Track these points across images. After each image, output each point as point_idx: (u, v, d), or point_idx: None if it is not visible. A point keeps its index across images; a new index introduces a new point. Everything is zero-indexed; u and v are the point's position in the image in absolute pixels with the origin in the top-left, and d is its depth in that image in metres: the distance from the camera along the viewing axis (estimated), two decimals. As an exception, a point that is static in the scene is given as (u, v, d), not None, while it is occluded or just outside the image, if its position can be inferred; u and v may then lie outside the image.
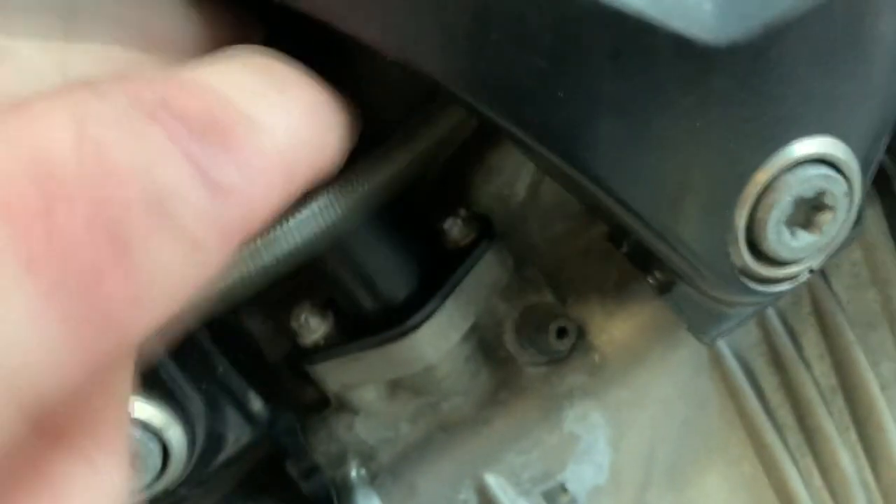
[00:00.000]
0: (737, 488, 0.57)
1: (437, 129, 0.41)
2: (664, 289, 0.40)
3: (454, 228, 0.50)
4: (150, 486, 0.44)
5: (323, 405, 0.56)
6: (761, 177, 0.34)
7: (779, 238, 0.35)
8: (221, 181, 0.15)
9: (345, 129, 0.24)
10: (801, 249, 0.36)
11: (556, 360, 0.52)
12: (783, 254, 0.36)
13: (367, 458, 0.54)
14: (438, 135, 0.41)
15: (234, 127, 0.17)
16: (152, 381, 0.43)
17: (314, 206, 0.37)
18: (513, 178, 0.53)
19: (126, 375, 0.20)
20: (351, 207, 0.39)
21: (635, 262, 0.41)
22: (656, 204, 0.36)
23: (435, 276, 0.50)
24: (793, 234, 0.35)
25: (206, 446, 0.47)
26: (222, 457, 0.49)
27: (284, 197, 0.18)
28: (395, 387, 0.53)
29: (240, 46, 0.22)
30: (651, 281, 0.41)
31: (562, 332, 0.48)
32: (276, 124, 0.18)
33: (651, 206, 0.35)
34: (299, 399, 0.57)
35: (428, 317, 0.48)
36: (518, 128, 0.33)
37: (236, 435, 0.49)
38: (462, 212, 0.50)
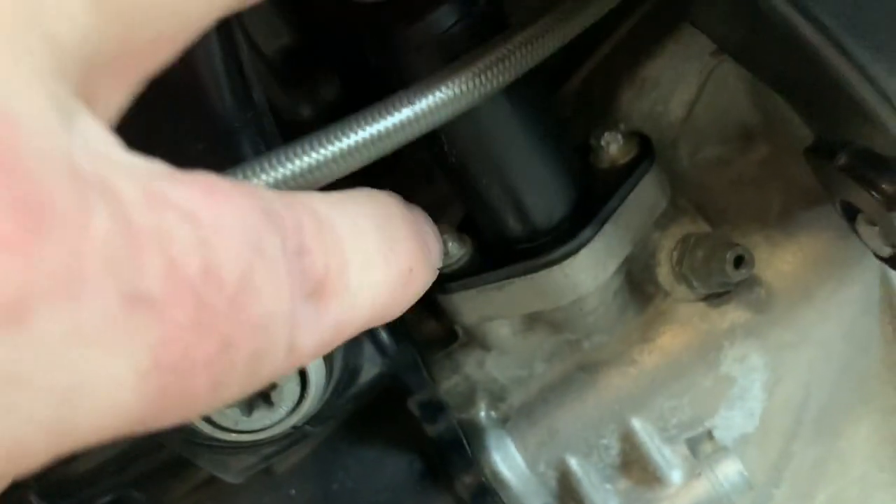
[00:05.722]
0: (885, 441, 0.53)
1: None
2: (893, 203, 0.35)
3: (613, 145, 0.45)
4: (284, 419, 0.40)
5: (447, 339, 0.51)
6: None
7: None
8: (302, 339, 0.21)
9: (434, 265, 0.30)
10: None
11: (717, 296, 0.47)
12: None
13: (497, 398, 0.49)
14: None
15: (334, 288, 0.22)
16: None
17: (456, 88, 0.32)
18: (668, 93, 0.48)
19: None
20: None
21: (855, 174, 0.36)
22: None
23: (588, 197, 0.45)
24: None
25: (341, 377, 0.42)
26: (354, 390, 0.44)
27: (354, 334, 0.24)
28: (533, 322, 0.48)
29: (368, 191, 0.27)
30: (875, 196, 0.36)
31: (739, 261, 0.43)
32: (367, 294, 0.24)
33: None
34: (421, 331, 0.52)
35: (586, 242, 0.43)
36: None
37: (369, 367, 0.44)
38: (622, 126, 0.45)
